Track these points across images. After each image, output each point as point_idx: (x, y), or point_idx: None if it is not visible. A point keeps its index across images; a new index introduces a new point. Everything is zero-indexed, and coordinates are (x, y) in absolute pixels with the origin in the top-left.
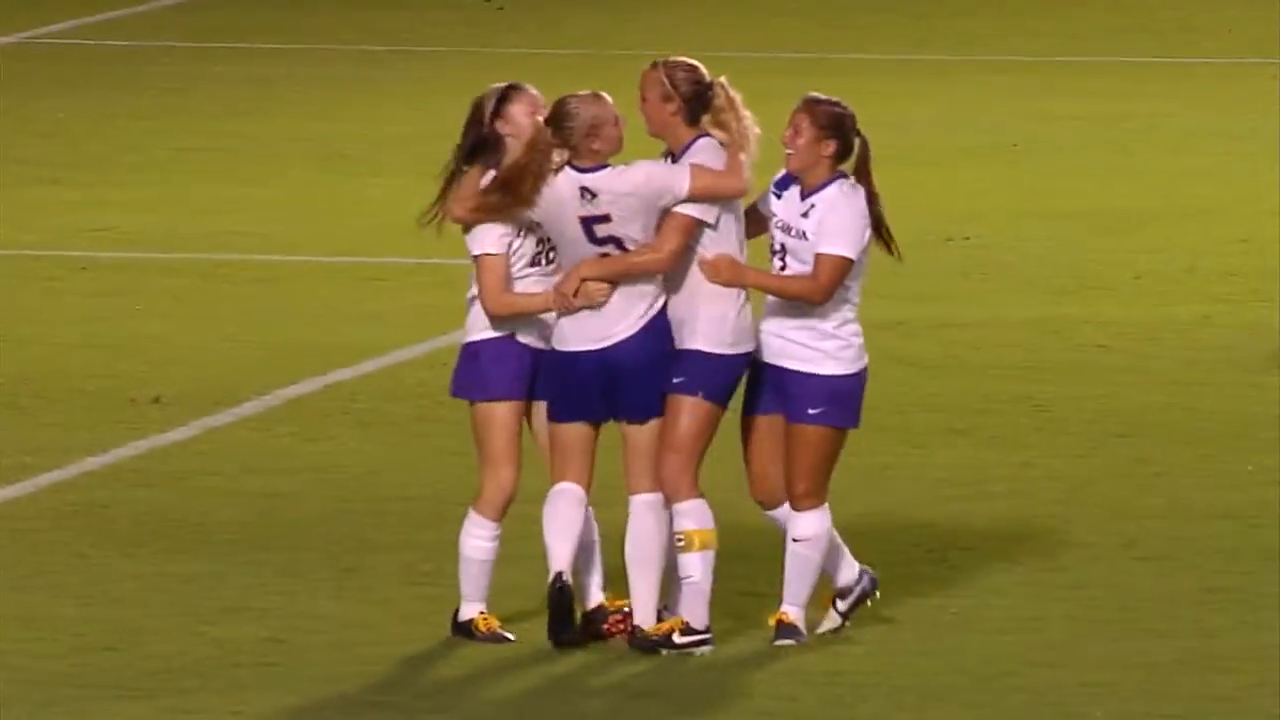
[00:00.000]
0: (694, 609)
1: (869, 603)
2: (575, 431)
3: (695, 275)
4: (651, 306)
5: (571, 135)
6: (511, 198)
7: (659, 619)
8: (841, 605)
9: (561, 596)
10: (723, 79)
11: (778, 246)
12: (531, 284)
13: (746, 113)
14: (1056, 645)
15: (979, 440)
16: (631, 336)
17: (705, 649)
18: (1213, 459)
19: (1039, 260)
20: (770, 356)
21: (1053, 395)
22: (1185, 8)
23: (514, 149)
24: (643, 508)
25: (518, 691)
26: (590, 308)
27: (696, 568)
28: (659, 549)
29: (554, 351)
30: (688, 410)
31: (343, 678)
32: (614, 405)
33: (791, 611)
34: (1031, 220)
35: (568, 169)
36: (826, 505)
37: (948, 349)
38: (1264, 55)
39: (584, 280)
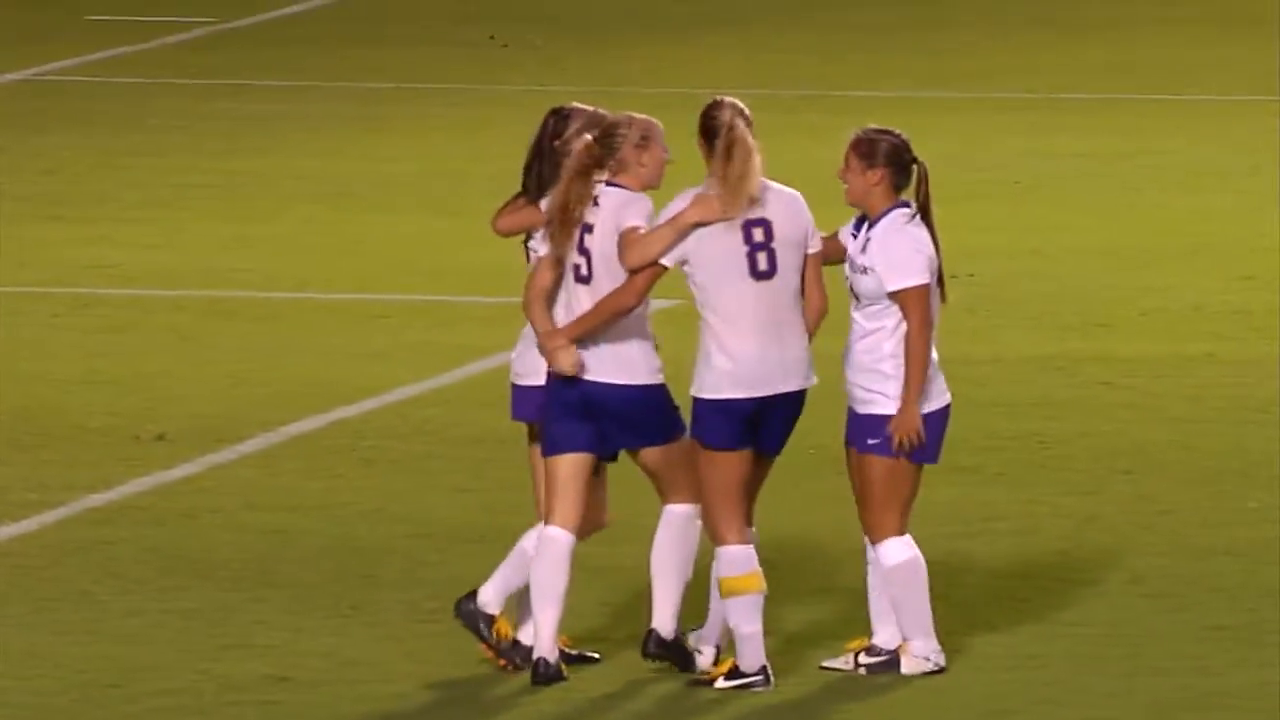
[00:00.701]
0: (739, 653)
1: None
2: (566, 464)
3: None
4: (647, 367)
5: (621, 145)
6: (552, 224)
7: (680, 642)
8: (865, 660)
9: (548, 681)
10: (731, 121)
11: (849, 286)
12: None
13: (737, 164)
14: (1060, 682)
15: (984, 477)
16: (617, 385)
17: (759, 689)
18: (1217, 496)
19: (1044, 297)
20: (850, 402)
21: (1058, 432)
22: (1189, 45)
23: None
24: (666, 517)
25: None
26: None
27: (730, 614)
28: (676, 560)
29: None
30: (683, 450)
31: (347, 716)
32: (605, 438)
33: (908, 644)
34: (1036, 257)
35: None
36: (904, 537)
37: (953, 385)
38: (1267, 93)
39: (564, 343)
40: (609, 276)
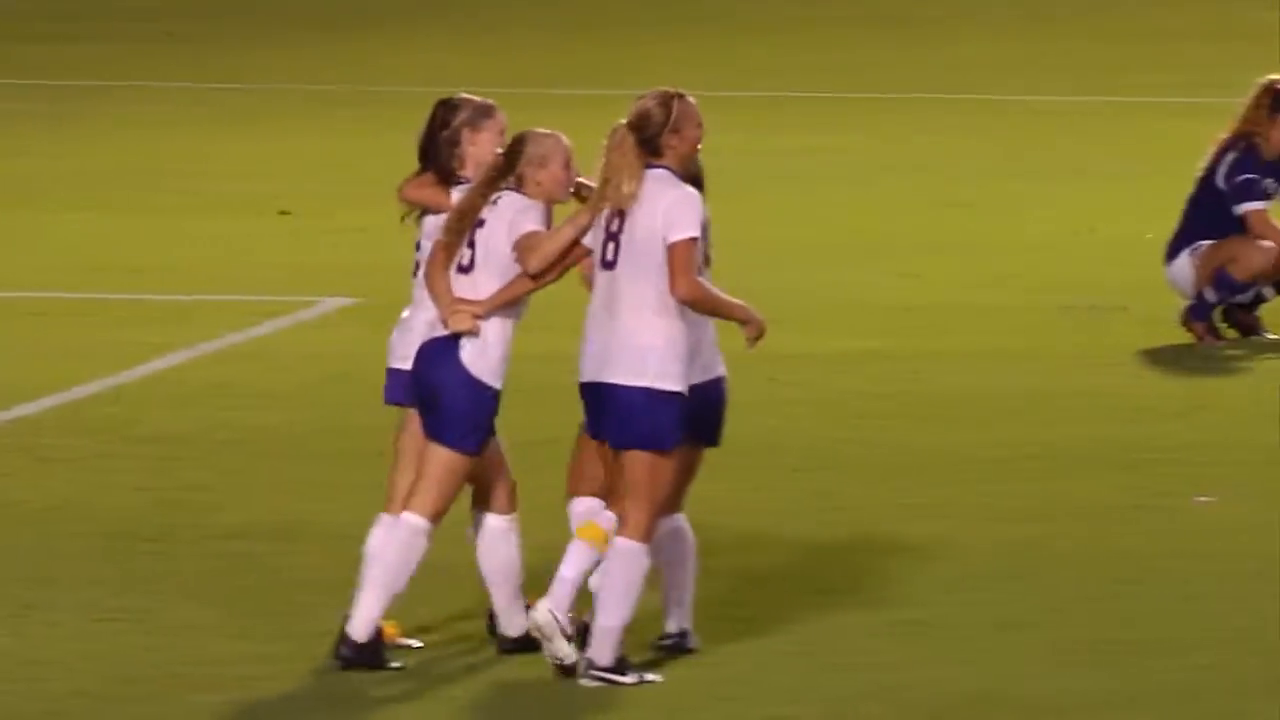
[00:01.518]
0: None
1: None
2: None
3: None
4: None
5: (518, 161)
6: (450, 224)
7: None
8: (661, 643)
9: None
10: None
11: None
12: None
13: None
14: (739, 679)
15: None
16: (439, 354)
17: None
18: (888, 492)
19: None
20: None
21: (728, 428)
22: (867, 45)
23: (471, 164)
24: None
25: None
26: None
27: (567, 556)
28: (387, 565)
29: None
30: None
31: (27, 716)
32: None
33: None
34: None
35: None
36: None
37: None
38: (938, 90)
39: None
40: (486, 269)
